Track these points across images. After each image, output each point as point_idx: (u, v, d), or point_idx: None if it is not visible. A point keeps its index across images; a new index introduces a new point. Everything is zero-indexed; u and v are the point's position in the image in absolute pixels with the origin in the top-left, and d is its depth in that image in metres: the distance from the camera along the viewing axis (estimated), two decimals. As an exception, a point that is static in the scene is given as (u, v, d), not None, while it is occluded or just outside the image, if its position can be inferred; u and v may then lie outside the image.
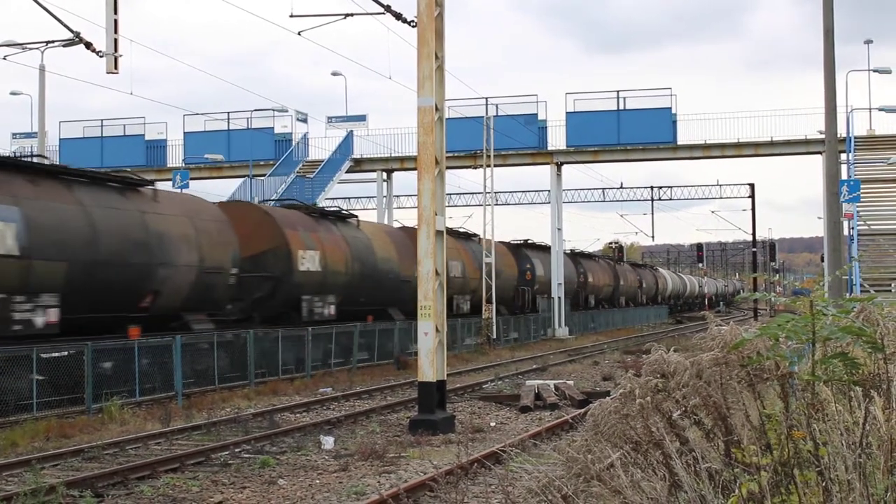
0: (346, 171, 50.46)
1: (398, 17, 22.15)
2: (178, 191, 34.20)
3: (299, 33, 29.56)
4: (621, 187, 60.62)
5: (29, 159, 23.71)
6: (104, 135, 53.33)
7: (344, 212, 34.51)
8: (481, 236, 43.89)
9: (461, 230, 44.87)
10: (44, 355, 18.38)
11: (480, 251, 42.46)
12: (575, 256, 60.10)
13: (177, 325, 23.25)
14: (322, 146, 51.20)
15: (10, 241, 18.21)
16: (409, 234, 34.46)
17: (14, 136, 56.04)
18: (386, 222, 47.50)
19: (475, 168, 48.18)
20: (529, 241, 52.08)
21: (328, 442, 15.87)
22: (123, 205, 22.03)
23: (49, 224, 19.38)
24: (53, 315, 19.26)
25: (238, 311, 26.32)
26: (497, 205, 52.75)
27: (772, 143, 47.09)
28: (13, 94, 47.51)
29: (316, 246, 28.90)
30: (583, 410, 12.43)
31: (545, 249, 52.00)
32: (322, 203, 46.55)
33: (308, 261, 28.27)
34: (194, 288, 23.50)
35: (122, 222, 21.58)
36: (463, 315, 39.29)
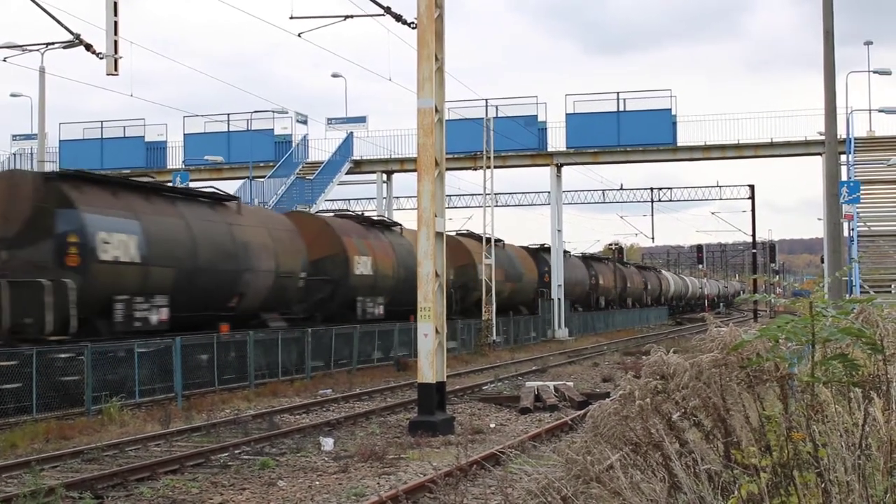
0: (346, 173, 50.43)
1: (398, 18, 22.13)
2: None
3: (299, 35, 29.55)
4: (621, 189, 60.69)
5: (143, 179, 26.74)
6: (104, 136, 53.30)
7: (388, 220, 37.88)
8: (509, 243, 48.22)
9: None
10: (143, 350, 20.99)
11: (510, 257, 47.00)
12: (587, 260, 62.88)
13: (255, 322, 26.33)
14: (322, 148, 51.21)
15: (133, 251, 21.65)
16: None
17: (14, 137, 56.05)
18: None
19: (475, 169, 48.14)
20: (546, 246, 53.48)
21: (328, 443, 15.86)
22: (214, 217, 25.44)
23: (161, 235, 22.71)
24: (164, 314, 22.54)
25: (302, 310, 29.37)
26: (497, 206, 52.76)
27: (772, 145, 47.06)
28: (13, 95, 47.51)
29: (368, 252, 32.42)
30: (582, 412, 12.41)
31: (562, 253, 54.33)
32: (322, 204, 46.62)
33: (362, 265, 31.70)
34: (271, 290, 26.95)
35: (215, 233, 24.95)
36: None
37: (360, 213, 38.69)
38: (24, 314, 19.43)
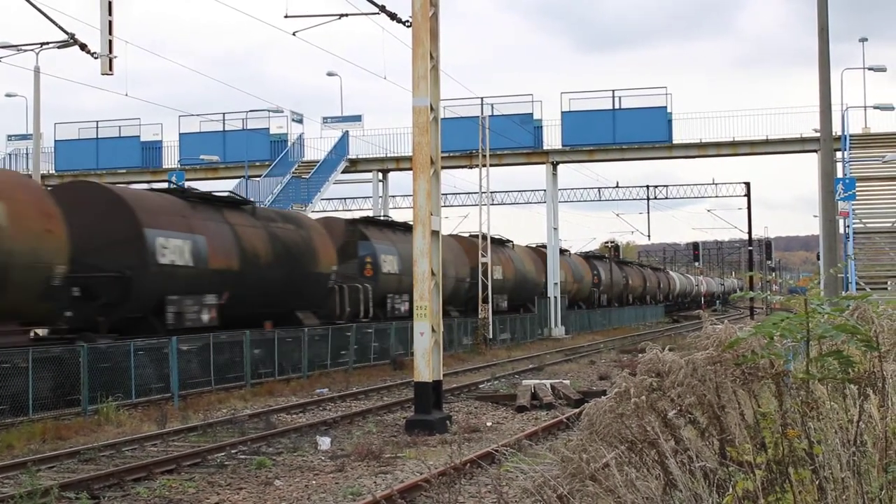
0: (342, 172, 50.38)
1: (393, 17, 22.10)
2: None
3: (294, 34, 29.47)
4: (617, 186, 60.63)
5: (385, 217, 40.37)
6: (99, 136, 53.15)
7: (504, 238, 48.43)
8: (571, 252, 61.40)
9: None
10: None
11: (574, 263, 59.51)
12: (619, 263, 74.47)
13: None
14: (317, 147, 51.15)
15: (395, 266, 34.19)
16: (538, 251, 53.44)
17: (9, 137, 55.90)
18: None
19: (471, 168, 48.08)
20: (596, 254, 70.56)
21: (324, 442, 15.85)
22: None
23: (404, 254, 32.44)
24: (407, 306, 33.58)
25: (462, 305, 40.96)
26: (493, 204, 52.80)
27: (767, 142, 47.08)
28: (8, 95, 47.31)
29: (500, 263, 45.04)
30: (578, 410, 12.40)
31: (602, 259, 70.08)
32: (318, 203, 46.62)
33: (497, 273, 44.02)
34: (452, 291, 37.59)
35: None
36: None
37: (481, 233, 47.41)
38: (349, 305, 30.94)
